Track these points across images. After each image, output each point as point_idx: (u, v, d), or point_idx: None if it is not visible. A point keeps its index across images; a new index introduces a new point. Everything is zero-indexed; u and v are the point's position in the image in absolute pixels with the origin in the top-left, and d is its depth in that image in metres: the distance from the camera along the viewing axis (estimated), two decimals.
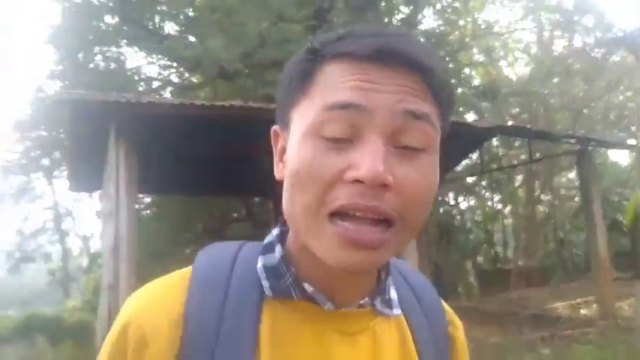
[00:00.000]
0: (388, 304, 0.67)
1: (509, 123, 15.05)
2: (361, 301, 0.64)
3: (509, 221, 15.31)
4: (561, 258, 12.17)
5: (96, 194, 12.38)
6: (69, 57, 11.54)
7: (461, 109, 14.52)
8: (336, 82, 0.57)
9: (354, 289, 0.64)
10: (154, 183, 8.55)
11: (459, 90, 14.25)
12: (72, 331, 11.29)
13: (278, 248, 0.64)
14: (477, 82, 15.39)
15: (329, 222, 0.56)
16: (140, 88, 12.49)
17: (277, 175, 0.65)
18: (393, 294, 0.68)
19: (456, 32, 14.74)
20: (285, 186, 0.60)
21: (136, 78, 12.82)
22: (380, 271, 0.67)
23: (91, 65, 11.89)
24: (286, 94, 0.63)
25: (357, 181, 0.54)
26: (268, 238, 0.66)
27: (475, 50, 15.89)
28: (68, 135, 7.87)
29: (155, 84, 13.47)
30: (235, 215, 13.05)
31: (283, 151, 0.63)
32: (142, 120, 5.70)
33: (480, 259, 15.14)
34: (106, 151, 6.15)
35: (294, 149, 0.59)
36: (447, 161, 10.16)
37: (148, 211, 13.70)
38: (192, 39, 11.04)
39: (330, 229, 0.55)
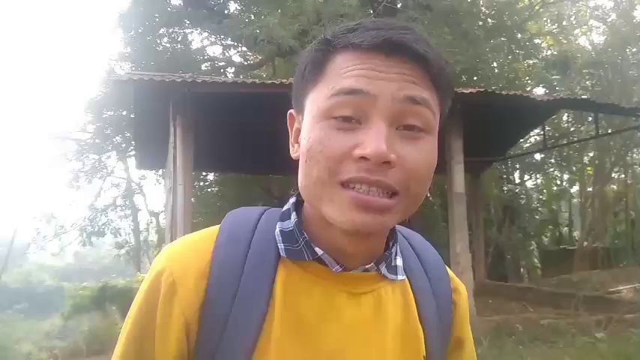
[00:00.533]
0: (393, 270, 0.74)
1: (583, 96, 14.19)
2: (367, 266, 0.71)
3: (577, 200, 14.59)
4: (631, 240, 11.44)
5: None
6: (137, 39, 12.03)
7: (529, 81, 13.86)
8: (344, 70, 0.64)
9: (360, 253, 0.70)
10: (211, 160, 8.84)
11: (529, 62, 13.60)
12: None
13: (293, 216, 0.72)
14: (547, 53, 14.55)
15: (342, 188, 0.63)
16: (204, 68, 12.88)
17: (293, 154, 0.73)
18: (399, 261, 0.75)
19: (525, 0, 13.98)
20: (301, 162, 0.68)
21: (200, 58, 13.19)
22: (389, 240, 0.74)
23: (160, 48, 12.36)
24: (301, 81, 0.71)
25: (364, 158, 0.61)
26: (286, 207, 0.75)
27: (546, 19, 15.00)
28: (134, 115, 8.27)
29: (219, 64, 13.84)
30: (292, 192, 13.28)
31: (298, 132, 0.71)
32: (198, 99, 5.90)
33: (544, 239, 14.56)
34: (168, 130, 6.44)
35: (308, 130, 0.66)
36: (509, 136, 9.80)
37: (210, 189, 14.18)
38: (252, 17, 11.21)
39: (343, 194, 0.63)
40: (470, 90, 6.37)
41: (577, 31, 15.86)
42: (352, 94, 0.63)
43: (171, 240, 5.71)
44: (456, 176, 6.66)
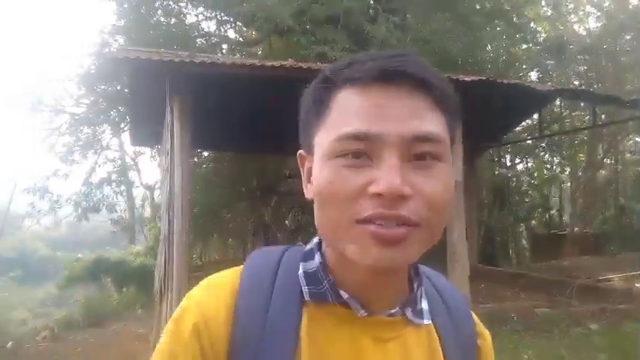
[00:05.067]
0: (419, 314, 0.71)
1: (576, 82, 14.20)
2: (392, 311, 0.69)
3: (568, 185, 14.74)
4: (620, 226, 11.58)
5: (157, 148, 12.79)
6: (131, 12, 11.78)
7: (524, 66, 13.83)
8: (348, 111, 0.62)
9: (386, 295, 0.69)
10: (208, 139, 8.77)
11: (525, 46, 13.55)
12: (135, 273, 12.03)
13: (317, 256, 0.70)
14: (542, 38, 14.51)
15: (360, 225, 0.60)
16: (199, 43, 12.67)
17: (307, 195, 0.70)
18: (424, 304, 0.72)
19: None
20: (315, 203, 0.65)
21: (195, 33, 12.97)
22: (413, 282, 0.72)
23: (153, 21, 12.10)
24: (307, 121, 0.69)
25: (378, 194, 0.59)
26: (309, 246, 0.72)
27: (543, 3, 14.92)
28: (129, 91, 8.14)
29: (213, 40, 13.61)
30: (287, 172, 13.24)
31: (310, 172, 0.69)
32: (196, 78, 5.80)
33: (534, 223, 14.74)
34: (163, 107, 6.34)
35: (319, 170, 0.64)
36: (505, 123, 9.84)
37: (205, 166, 14.11)
38: None
39: (363, 231, 0.60)
40: (471, 78, 6.32)
41: (573, 16, 15.82)
42: (357, 139, 0.61)
43: (168, 222, 5.70)
44: (455, 164, 6.67)
